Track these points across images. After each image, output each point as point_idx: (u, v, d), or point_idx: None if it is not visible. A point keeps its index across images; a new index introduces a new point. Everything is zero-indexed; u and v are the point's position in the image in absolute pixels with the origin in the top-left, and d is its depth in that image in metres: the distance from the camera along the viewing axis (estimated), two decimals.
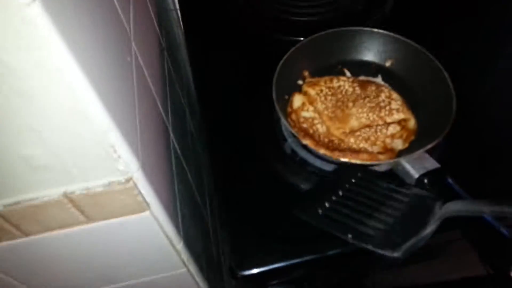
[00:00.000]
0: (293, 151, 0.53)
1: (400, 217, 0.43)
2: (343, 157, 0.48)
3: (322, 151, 0.48)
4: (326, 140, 0.51)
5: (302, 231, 0.48)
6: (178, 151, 0.67)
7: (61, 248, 0.45)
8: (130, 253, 0.49)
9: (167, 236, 0.49)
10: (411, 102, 0.55)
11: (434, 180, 0.46)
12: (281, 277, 0.48)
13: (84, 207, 0.39)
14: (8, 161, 0.33)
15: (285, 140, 0.54)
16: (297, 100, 0.55)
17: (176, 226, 0.51)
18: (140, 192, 0.40)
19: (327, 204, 0.45)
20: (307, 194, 0.49)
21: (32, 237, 0.42)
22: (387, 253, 0.41)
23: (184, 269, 0.58)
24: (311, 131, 0.52)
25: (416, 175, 0.46)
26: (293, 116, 0.53)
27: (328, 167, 0.51)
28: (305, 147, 0.51)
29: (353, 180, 0.47)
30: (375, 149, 0.51)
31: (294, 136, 0.51)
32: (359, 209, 0.45)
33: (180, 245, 0.53)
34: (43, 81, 0.28)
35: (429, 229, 0.41)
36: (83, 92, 0.30)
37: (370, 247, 0.42)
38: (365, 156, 0.48)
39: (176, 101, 0.77)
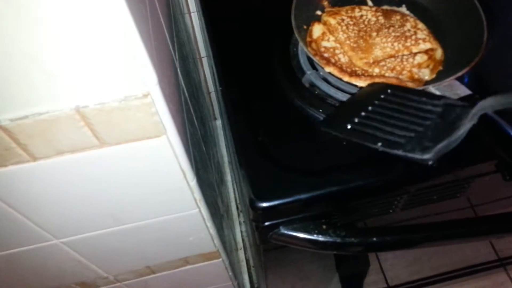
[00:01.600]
0: (312, 85, 0.50)
1: (431, 125, 0.41)
2: (371, 81, 0.45)
3: (346, 78, 0.45)
4: (349, 70, 0.48)
5: (323, 163, 0.46)
6: (185, 91, 0.64)
7: (70, 176, 0.42)
8: (143, 186, 0.47)
9: (181, 169, 0.46)
10: (438, 32, 0.52)
11: None
12: (300, 210, 0.46)
13: (97, 127, 0.37)
14: (15, 64, 0.30)
15: (304, 73, 0.51)
16: (317, 29, 0.51)
17: (190, 160, 0.48)
18: (157, 112, 0.37)
19: (356, 119, 0.43)
20: (336, 111, 0.46)
21: (40, 162, 0.39)
22: (418, 155, 0.38)
23: (196, 210, 0.56)
24: (332, 60, 0.49)
25: None
26: (313, 46, 0.50)
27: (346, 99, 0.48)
28: (325, 79, 0.49)
29: (382, 96, 0.44)
30: (402, 78, 0.48)
31: (314, 68, 0.49)
32: (389, 121, 0.42)
33: (193, 183, 0.51)
34: None
35: (463, 129, 0.39)
36: None
37: (400, 152, 0.39)
38: (393, 81, 0.45)
39: (181, 35, 0.73)
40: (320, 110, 0.48)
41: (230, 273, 0.89)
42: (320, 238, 0.48)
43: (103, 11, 0.28)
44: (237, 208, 1.50)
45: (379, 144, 0.40)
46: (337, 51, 0.50)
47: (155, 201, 0.51)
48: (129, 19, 0.29)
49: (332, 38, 0.51)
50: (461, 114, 0.40)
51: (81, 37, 0.29)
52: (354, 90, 0.47)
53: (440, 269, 1.22)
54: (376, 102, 0.43)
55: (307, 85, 0.50)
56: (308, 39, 0.51)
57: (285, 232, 0.49)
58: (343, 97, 0.48)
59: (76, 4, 0.27)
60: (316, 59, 0.47)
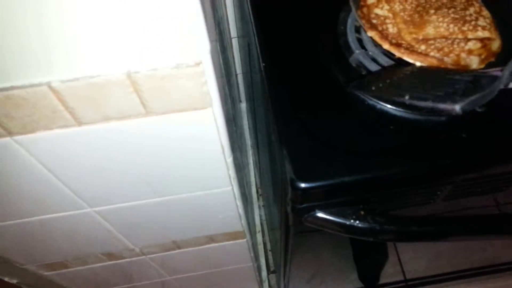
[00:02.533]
0: (359, 65, 0.49)
1: (461, 86, 0.39)
2: (408, 56, 0.43)
3: (386, 46, 0.44)
4: (393, 41, 0.46)
5: (368, 144, 0.44)
6: (222, 67, 0.63)
7: (113, 144, 0.42)
8: (182, 159, 0.46)
9: (221, 144, 0.45)
10: (503, 24, 0.49)
11: None
12: (340, 194, 0.45)
13: (146, 94, 0.36)
14: (68, 25, 0.29)
15: (351, 52, 0.49)
16: None
17: (230, 135, 0.47)
18: (206, 82, 0.36)
19: (381, 84, 0.41)
20: (363, 77, 0.45)
21: (84, 127, 0.39)
22: (447, 105, 0.37)
23: (229, 188, 0.55)
24: (379, 28, 0.47)
25: None
26: (364, 10, 0.48)
27: None
28: (373, 59, 0.47)
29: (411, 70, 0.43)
30: (447, 61, 0.46)
31: (363, 47, 0.47)
32: (418, 84, 0.41)
33: (230, 159, 0.50)
34: None
35: (497, 82, 0.37)
36: None
37: (429, 103, 0.38)
38: (434, 61, 0.43)
39: (219, 10, 0.72)
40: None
41: (252, 254, 0.89)
42: (358, 224, 0.47)
43: None
44: (257, 192, 1.50)
45: (406, 97, 0.39)
46: (387, 21, 0.48)
47: (192, 175, 0.50)
48: None
49: (386, 7, 0.49)
50: (494, 79, 0.38)
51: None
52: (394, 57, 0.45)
53: (461, 266, 1.20)
54: (406, 72, 0.42)
55: (354, 64, 0.49)
56: (361, 2, 0.49)
57: (322, 215, 0.48)
58: None
59: None
60: (362, 22, 0.45)
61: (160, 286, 0.95)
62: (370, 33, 0.44)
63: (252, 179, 1.49)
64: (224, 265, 0.90)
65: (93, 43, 0.31)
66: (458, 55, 0.46)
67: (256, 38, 0.53)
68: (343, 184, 0.43)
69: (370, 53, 0.48)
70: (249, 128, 1.52)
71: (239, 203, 0.62)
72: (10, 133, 0.38)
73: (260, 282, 1.21)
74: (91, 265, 0.75)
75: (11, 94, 0.33)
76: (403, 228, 0.47)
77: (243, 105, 1.54)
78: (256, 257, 1.00)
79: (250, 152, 1.50)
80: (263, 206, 1.48)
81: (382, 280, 1.17)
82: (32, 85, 0.33)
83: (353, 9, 0.45)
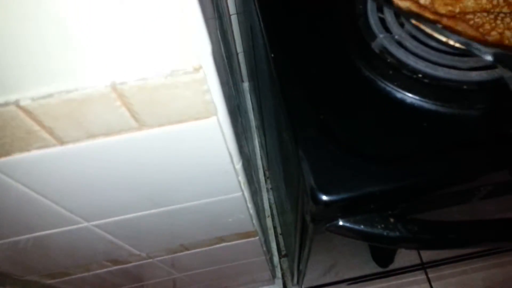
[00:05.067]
0: (383, 51, 0.42)
1: None
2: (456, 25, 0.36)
3: (427, 14, 0.36)
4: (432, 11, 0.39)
5: (398, 147, 0.38)
6: (224, 56, 0.56)
7: (102, 161, 0.36)
8: (185, 170, 0.40)
9: (229, 152, 0.39)
10: None
11: None
12: (368, 205, 0.40)
13: (136, 107, 0.30)
14: (37, 29, 0.23)
15: (375, 37, 0.42)
16: None
17: (238, 141, 0.42)
18: (209, 89, 0.30)
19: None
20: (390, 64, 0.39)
21: (68, 146, 0.33)
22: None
23: (240, 193, 0.50)
24: None
25: None
26: None
27: (430, 69, 0.40)
28: (400, 43, 0.40)
29: None
30: (487, 39, 0.39)
31: (387, 31, 0.40)
32: None
33: (239, 165, 0.44)
34: None
35: None
36: None
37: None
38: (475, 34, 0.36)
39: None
40: (395, 83, 0.40)
41: (264, 249, 0.85)
42: (388, 233, 0.41)
43: None
44: (264, 174, 1.45)
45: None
46: None
47: (197, 186, 0.45)
48: None
49: None
50: None
51: None
52: (438, 59, 0.38)
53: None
54: None
55: (377, 50, 0.42)
56: None
57: (345, 224, 0.42)
58: (425, 66, 0.40)
59: None
60: None
61: (171, 283, 0.92)
62: (404, 4, 0.37)
63: (259, 162, 1.43)
64: (236, 260, 0.86)
65: (68, 50, 0.25)
66: (501, 33, 0.39)
67: (261, 22, 0.46)
68: (372, 195, 0.37)
69: (396, 36, 0.41)
70: (253, 108, 1.45)
71: (250, 205, 0.57)
72: None
73: (273, 269, 1.18)
74: (95, 271, 0.71)
75: None
76: (440, 236, 0.42)
77: (245, 85, 1.47)
78: (268, 250, 0.96)
79: (255, 134, 1.44)
80: (271, 189, 1.44)
81: (399, 264, 1.13)
82: None
83: None
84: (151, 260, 0.71)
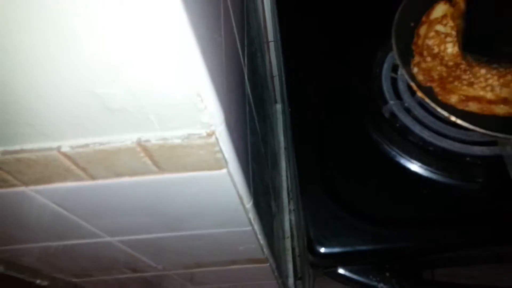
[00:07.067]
0: (392, 116, 0.44)
1: None
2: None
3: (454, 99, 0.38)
4: (450, 63, 0.41)
5: (396, 211, 0.41)
6: (250, 96, 0.60)
7: (126, 195, 0.41)
8: (199, 207, 0.45)
9: (239, 195, 0.43)
10: None
11: None
12: (361, 260, 0.42)
13: (157, 158, 0.34)
14: (79, 98, 0.28)
15: (386, 102, 0.45)
16: (440, 10, 0.44)
17: (248, 185, 0.45)
18: (220, 150, 0.34)
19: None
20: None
21: (98, 182, 0.38)
22: None
23: (249, 228, 0.53)
24: (435, 50, 0.42)
25: None
26: (422, 30, 0.43)
27: (435, 139, 0.42)
28: (408, 110, 0.42)
29: None
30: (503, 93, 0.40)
31: (398, 98, 0.42)
32: None
33: (249, 205, 0.48)
34: None
35: None
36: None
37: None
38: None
39: (250, 40, 0.69)
40: (401, 149, 0.42)
41: (276, 274, 0.88)
42: (383, 286, 0.43)
43: (173, 56, 0.25)
44: (288, 195, 1.47)
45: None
46: (447, 39, 0.42)
47: (209, 218, 0.49)
48: (202, 67, 0.26)
49: (450, 23, 0.43)
50: None
51: (143, 74, 0.26)
52: (444, 130, 0.41)
53: None
54: None
55: (386, 115, 0.44)
56: (423, 18, 0.43)
57: (343, 273, 0.45)
58: (430, 136, 0.42)
59: (143, 41, 0.24)
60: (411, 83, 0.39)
61: None
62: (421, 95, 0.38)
63: (284, 182, 1.46)
64: (248, 280, 0.90)
65: (103, 114, 0.30)
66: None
67: (284, 76, 0.50)
68: (364, 253, 0.40)
69: (406, 104, 0.44)
70: (283, 129, 1.49)
71: (261, 236, 0.60)
72: (25, 184, 0.38)
73: None
74: (115, 276, 0.76)
75: (21, 157, 0.33)
76: None
77: (279, 106, 1.50)
78: (281, 274, 0.99)
79: (283, 155, 1.47)
80: (293, 210, 1.46)
81: None
82: (41, 149, 0.32)
83: (400, 65, 0.39)
84: (167, 272, 0.76)
